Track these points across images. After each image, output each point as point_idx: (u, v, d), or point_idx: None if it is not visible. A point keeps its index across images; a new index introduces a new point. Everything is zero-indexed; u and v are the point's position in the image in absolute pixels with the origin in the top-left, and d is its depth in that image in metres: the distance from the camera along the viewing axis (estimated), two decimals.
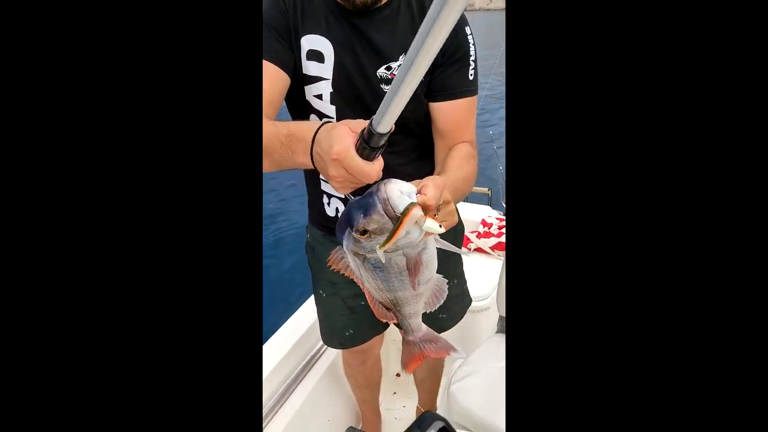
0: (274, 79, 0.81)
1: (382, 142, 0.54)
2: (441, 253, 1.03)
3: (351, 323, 1.15)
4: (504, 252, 1.95)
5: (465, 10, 0.41)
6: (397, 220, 0.54)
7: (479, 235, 2.05)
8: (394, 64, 0.82)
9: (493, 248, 1.98)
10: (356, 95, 0.84)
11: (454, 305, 1.20)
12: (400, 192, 0.55)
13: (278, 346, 1.36)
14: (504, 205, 2.31)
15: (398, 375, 1.87)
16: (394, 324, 0.78)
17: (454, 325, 1.22)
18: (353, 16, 0.81)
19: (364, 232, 0.55)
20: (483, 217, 2.19)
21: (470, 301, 1.27)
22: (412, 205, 0.54)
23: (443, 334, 1.18)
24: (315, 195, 1.03)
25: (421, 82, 0.80)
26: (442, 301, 0.70)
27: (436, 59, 0.75)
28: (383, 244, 0.55)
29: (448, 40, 0.66)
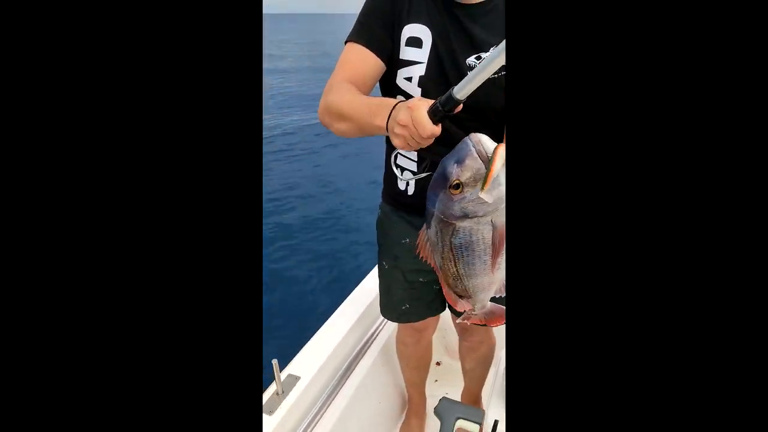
0: (370, 64, 0.87)
1: (455, 108, 0.61)
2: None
3: (408, 297, 1.19)
4: None
5: None
6: (489, 160, 0.58)
7: None
8: (484, 54, 0.86)
9: None
10: (443, 80, 0.88)
11: None
12: (486, 138, 0.59)
13: (337, 327, 1.41)
14: None
15: (438, 363, 1.91)
16: (462, 315, 0.80)
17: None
18: (455, 7, 0.87)
19: (457, 186, 0.58)
20: None
21: None
22: (499, 144, 0.58)
23: None
24: (389, 170, 1.08)
25: (502, 75, 0.82)
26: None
27: None
28: (483, 184, 0.58)
29: None
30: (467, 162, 0.58)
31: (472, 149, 0.58)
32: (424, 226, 0.69)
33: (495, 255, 0.65)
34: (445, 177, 0.59)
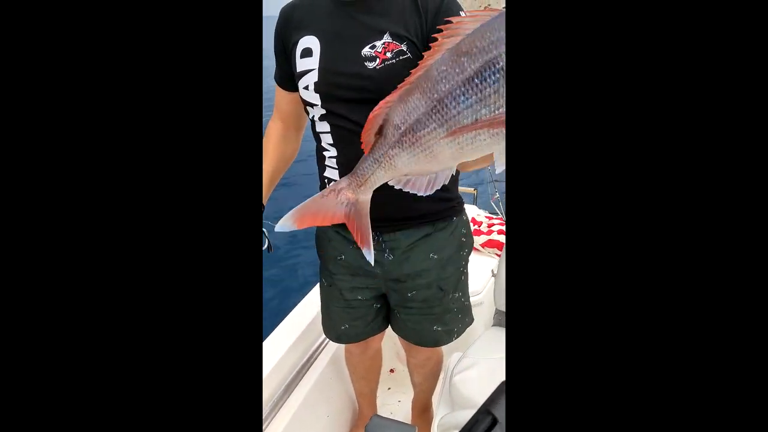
0: (288, 99, 1.02)
1: None
2: (445, 260, 1.05)
3: (347, 317, 1.16)
4: (494, 249, 1.99)
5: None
6: None
7: None
8: (378, 42, 0.84)
9: (483, 245, 2.02)
10: (337, 80, 0.88)
11: (453, 320, 1.15)
12: None
13: (284, 337, 1.37)
14: (492, 204, 2.36)
15: (392, 371, 1.90)
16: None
17: (450, 341, 1.18)
18: (345, 6, 0.88)
19: None
20: (472, 216, 2.23)
21: (472, 320, 1.22)
22: None
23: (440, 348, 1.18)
24: (320, 178, 1.05)
25: (407, 59, 0.84)
26: (428, 191, 0.62)
27: (428, 42, 0.78)
28: None
29: (439, 22, 0.79)
30: None
31: None
32: None
33: (483, 124, 0.52)
34: None
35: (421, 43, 0.84)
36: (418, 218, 1.01)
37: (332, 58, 0.88)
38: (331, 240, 1.09)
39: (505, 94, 0.47)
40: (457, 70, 0.50)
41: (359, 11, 0.87)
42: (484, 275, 1.81)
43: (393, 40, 0.84)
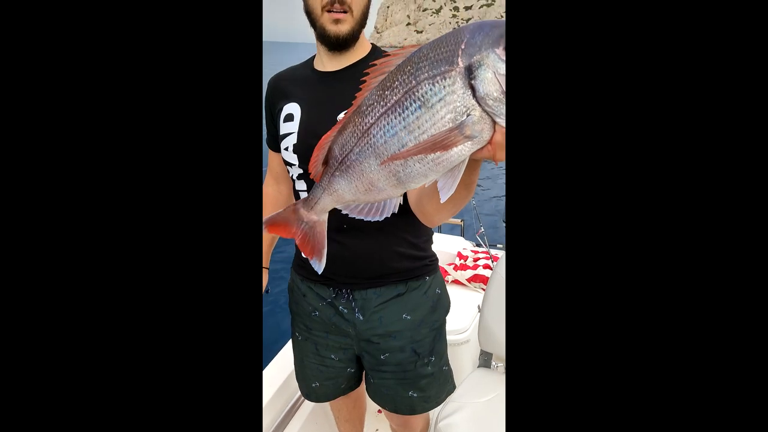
0: (273, 159, 1.13)
1: None
2: (419, 321, 1.03)
3: (320, 376, 1.13)
4: (480, 283, 1.98)
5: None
6: None
7: (456, 268, 2.08)
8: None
9: (469, 280, 2.01)
10: (314, 142, 0.91)
11: (430, 386, 1.09)
12: None
13: (272, 378, 1.35)
14: (478, 238, 2.36)
15: (380, 411, 1.84)
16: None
17: (429, 409, 1.13)
18: (327, 77, 0.98)
19: None
20: (458, 250, 2.23)
21: (453, 387, 1.17)
22: None
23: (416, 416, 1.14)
24: None
25: None
26: (376, 216, 0.63)
27: None
28: None
29: None
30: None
31: None
32: None
33: (412, 152, 0.53)
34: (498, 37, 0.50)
35: None
36: (391, 276, 1.00)
37: (310, 122, 0.96)
38: (306, 295, 1.09)
39: (428, 121, 0.49)
40: (381, 103, 0.53)
41: (337, 80, 0.97)
42: (470, 311, 1.79)
43: None
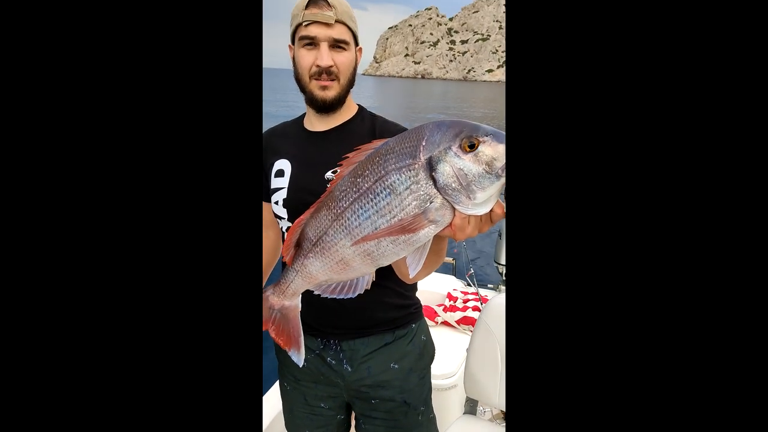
0: (266, 209, 1.11)
1: None
2: (407, 370, 1.05)
3: (310, 424, 1.13)
4: (468, 326, 2.00)
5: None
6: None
7: (445, 309, 2.10)
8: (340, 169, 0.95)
9: (458, 322, 2.03)
10: (303, 195, 0.98)
11: None
12: None
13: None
14: (468, 279, 2.38)
15: None
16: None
17: None
18: (316, 137, 1.04)
19: (472, 145, 0.52)
20: (449, 290, 2.25)
21: None
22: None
23: None
24: None
25: None
26: (349, 294, 0.68)
27: None
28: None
29: None
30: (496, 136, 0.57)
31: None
32: None
33: (382, 234, 0.58)
34: (475, 130, 0.55)
35: None
36: (378, 326, 1.03)
37: (299, 179, 1.01)
38: None
39: (397, 206, 0.56)
40: (354, 189, 0.60)
41: (325, 140, 1.03)
42: (459, 355, 1.80)
43: None
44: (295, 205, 1.00)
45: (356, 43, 1.02)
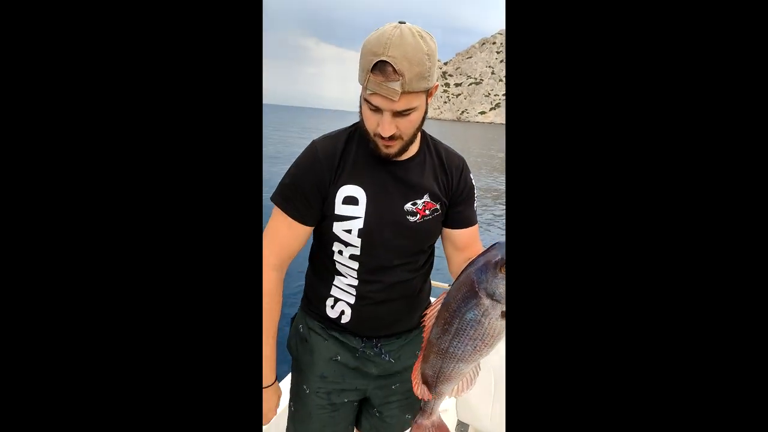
0: (299, 234, 1.00)
1: None
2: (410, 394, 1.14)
3: (330, 422, 1.15)
4: None
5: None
6: None
7: None
8: (419, 201, 1.01)
9: None
10: (382, 227, 1.00)
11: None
12: None
13: None
14: None
15: None
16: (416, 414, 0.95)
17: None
18: (388, 164, 0.98)
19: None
20: None
21: None
22: None
23: None
24: (319, 293, 1.09)
25: (438, 215, 1.04)
26: (468, 390, 0.86)
27: (455, 199, 1.05)
28: None
29: (461, 184, 1.03)
30: None
31: None
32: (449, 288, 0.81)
33: (482, 348, 0.78)
34: (503, 253, 0.73)
35: (448, 200, 1.04)
36: (413, 329, 1.13)
37: (379, 209, 0.97)
38: (327, 340, 1.10)
39: (483, 329, 0.77)
40: (447, 333, 0.80)
41: (399, 169, 0.98)
42: None
43: (431, 199, 1.01)
44: (372, 235, 0.97)
45: (428, 92, 0.91)
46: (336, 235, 0.99)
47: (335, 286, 1.07)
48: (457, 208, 1.07)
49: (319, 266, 1.09)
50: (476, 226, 1.11)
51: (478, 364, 0.86)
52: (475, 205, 1.11)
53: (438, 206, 1.03)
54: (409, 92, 0.84)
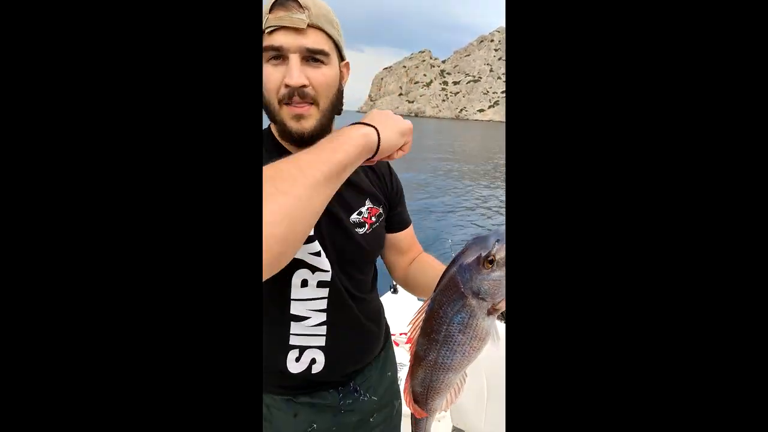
0: None
1: None
2: (394, 372, 1.09)
3: None
4: None
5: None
6: None
7: None
8: (363, 208, 0.91)
9: None
10: (339, 244, 0.88)
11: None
12: None
13: None
14: None
15: None
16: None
17: None
18: None
19: (491, 261, 0.64)
20: None
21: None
22: None
23: None
24: (276, 348, 0.88)
25: (383, 219, 0.97)
26: (457, 400, 0.79)
27: (393, 200, 0.97)
28: None
29: (394, 182, 0.97)
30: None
31: None
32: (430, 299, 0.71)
33: (471, 353, 0.71)
34: (485, 248, 0.65)
35: (388, 202, 0.95)
36: (382, 348, 1.03)
37: (330, 230, 0.85)
38: (296, 414, 0.91)
39: (471, 332, 0.69)
40: (434, 343, 0.73)
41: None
42: None
43: (373, 204, 0.91)
44: (335, 257, 0.86)
45: (341, 57, 0.80)
46: (302, 261, 0.83)
47: (294, 335, 0.87)
48: (397, 210, 0.99)
49: (270, 320, 0.86)
50: (411, 224, 1.05)
51: (465, 372, 0.82)
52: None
53: (381, 210, 0.94)
54: (317, 28, 0.72)
